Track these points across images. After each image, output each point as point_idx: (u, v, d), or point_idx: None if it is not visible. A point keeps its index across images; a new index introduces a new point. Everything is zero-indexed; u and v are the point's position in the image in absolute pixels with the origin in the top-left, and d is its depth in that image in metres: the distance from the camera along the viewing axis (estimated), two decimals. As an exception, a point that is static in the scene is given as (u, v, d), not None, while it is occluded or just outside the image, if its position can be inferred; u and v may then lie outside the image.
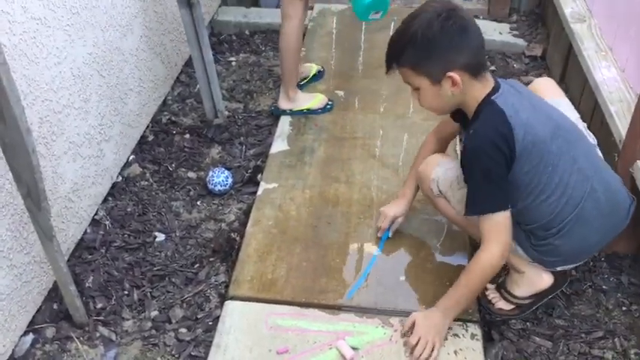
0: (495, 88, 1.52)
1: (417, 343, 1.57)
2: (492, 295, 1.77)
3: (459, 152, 1.95)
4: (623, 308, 1.77)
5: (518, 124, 1.45)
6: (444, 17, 1.46)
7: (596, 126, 2.31)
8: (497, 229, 1.50)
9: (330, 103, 2.58)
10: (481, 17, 3.35)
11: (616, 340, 1.68)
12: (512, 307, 1.74)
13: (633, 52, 2.03)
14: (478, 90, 1.51)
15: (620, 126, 1.86)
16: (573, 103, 1.83)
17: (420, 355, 1.56)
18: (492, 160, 1.46)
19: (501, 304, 1.75)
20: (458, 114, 1.65)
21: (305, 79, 2.71)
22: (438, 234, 1.96)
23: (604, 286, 1.83)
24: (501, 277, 1.80)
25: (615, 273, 1.87)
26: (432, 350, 1.57)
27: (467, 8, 3.37)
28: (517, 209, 1.53)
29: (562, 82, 2.72)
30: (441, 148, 1.89)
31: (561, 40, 2.69)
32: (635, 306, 1.77)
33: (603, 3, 2.40)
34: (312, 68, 2.78)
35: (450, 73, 1.47)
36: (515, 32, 3.19)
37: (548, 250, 1.60)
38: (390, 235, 1.93)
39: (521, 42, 3.09)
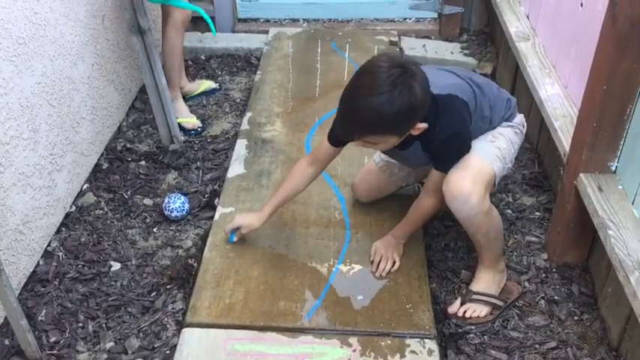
0: None
1: (379, 261, 1.89)
2: (463, 310, 1.81)
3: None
4: (575, 318, 1.82)
5: (466, 97, 1.69)
6: (412, 80, 1.50)
7: (543, 141, 2.39)
8: (441, 184, 1.74)
9: (198, 129, 2.69)
10: (432, 37, 3.43)
11: (569, 349, 1.71)
12: (489, 310, 1.80)
13: (575, 70, 2.11)
14: None
15: (564, 140, 1.92)
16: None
17: (384, 268, 1.88)
18: (468, 135, 1.71)
19: (478, 311, 1.80)
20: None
21: (198, 128, 2.71)
22: (394, 252, 1.98)
23: (556, 297, 1.87)
24: (461, 289, 1.85)
25: (566, 283, 1.92)
26: (394, 265, 1.89)
27: (419, 29, 3.47)
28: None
29: (511, 98, 2.80)
30: (314, 174, 1.92)
31: (509, 59, 2.78)
32: (586, 315, 1.82)
33: (545, 23, 2.49)
34: (203, 84, 2.95)
35: (418, 125, 1.60)
36: (465, 51, 3.28)
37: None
38: (235, 239, 1.98)
39: (471, 60, 3.18)
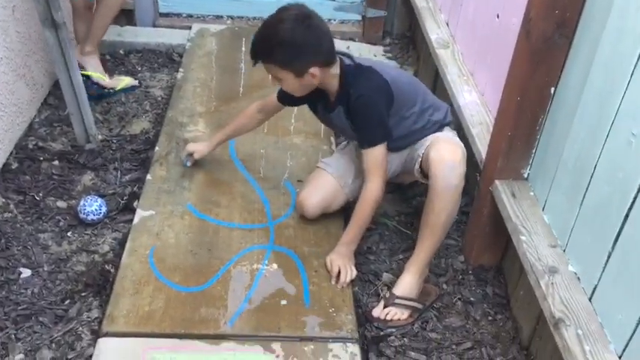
0: (342, 60, 1.86)
1: (338, 273, 1.88)
2: (385, 313, 1.84)
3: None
4: (489, 318, 1.90)
5: (389, 78, 1.84)
6: (307, 24, 1.72)
7: (461, 146, 2.46)
8: (378, 160, 1.83)
9: (111, 90, 2.75)
10: (356, 40, 3.47)
11: (483, 349, 1.79)
12: (409, 312, 1.84)
13: (490, 78, 2.20)
14: (334, 71, 1.83)
15: (481, 147, 1.99)
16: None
17: (345, 278, 1.88)
18: (381, 104, 1.83)
19: (399, 315, 1.84)
20: (288, 97, 1.97)
21: (112, 89, 2.78)
22: (317, 256, 1.99)
23: (471, 298, 1.95)
24: (383, 294, 1.88)
25: (481, 285, 2.00)
26: (349, 273, 1.89)
27: (342, 31, 3.49)
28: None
29: (432, 103, 2.88)
30: (261, 120, 2.21)
31: (429, 64, 2.85)
32: (499, 315, 1.90)
33: (464, 31, 2.58)
34: (123, 81, 2.85)
35: (311, 70, 1.75)
36: (388, 54, 3.34)
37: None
38: (189, 164, 2.29)
39: (394, 64, 3.24)
